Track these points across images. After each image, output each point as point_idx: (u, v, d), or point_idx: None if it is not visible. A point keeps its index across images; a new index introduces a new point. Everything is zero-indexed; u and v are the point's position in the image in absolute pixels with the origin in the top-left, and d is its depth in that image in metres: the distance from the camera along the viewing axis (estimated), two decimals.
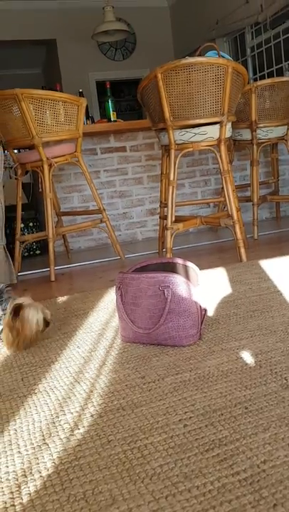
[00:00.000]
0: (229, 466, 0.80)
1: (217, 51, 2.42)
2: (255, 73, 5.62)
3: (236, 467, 0.79)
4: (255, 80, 5.54)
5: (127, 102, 8.75)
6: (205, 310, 1.42)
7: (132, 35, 6.71)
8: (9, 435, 0.98)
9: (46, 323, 1.52)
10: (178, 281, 1.34)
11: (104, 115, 3.65)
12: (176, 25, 7.02)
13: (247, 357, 1.23)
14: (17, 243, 2.83)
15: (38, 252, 3.66)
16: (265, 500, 0.71)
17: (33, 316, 1.46)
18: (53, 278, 2.61)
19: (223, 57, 2.40)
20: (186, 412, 0.99)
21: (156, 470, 0.81)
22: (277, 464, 0.78)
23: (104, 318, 1.73)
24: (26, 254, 3.59)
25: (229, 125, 2.47)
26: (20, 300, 1.48)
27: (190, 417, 0.96)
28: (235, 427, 0.91)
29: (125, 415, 1.01)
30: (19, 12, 6.32)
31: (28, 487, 0.80)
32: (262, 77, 5.44)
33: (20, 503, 0.76)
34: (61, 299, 2.10)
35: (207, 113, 2.33)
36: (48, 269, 2.65)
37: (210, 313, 1.63)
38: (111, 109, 3.40)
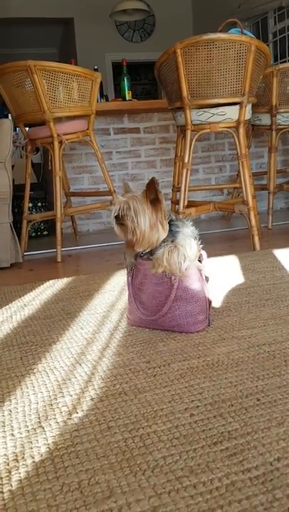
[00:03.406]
0: (239, 462, 0.73)
1: (240, 28, 2.31)
2: (276, 59, 5.45)
3: (247, 463, 0.72)
4: None
5: (143, 86, 8.57)
6: (210, 301, 1.34)
7: (150, 17, 6.54)
8: (3, 416, 0.92)
9: None
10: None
11: (120, 97, 3.54)
12: (197, 8, 6.83)
13: (259, 346, 1.15)
14: (24, 222, 2.77)
15: (45, 232, 3.60)
16: (279, 502, 0.64)
17: None
18: (59, 259, 2.54)
19: (246, 35, 2.28)
20: (192, 401, 0.91)
21: (159, 462, 0.74)
22: None
23: (109, 300, 1.66)
24: (34, 234, 3.53)
25: (249, 107, 2.36)
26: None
27: (197, 406, 0.89)
28: (246, 419, 0.84)
29: (128, 400, 0.94)
30: None
31: (19, 473, 0.74)
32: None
33: (10, 491, 0.70)
34: (66, 279, 2.03)
35: (227, 93, 2.23)
36: (55, 249, 2.58)
37: (221, 300, 1.56)
38: (126, 88, 3.29)
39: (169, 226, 1.26)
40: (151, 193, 1.22)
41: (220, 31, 2.25)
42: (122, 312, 1.50)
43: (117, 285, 1.85)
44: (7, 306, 1.69)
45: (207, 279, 1.33)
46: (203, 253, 1.33)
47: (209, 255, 1.42)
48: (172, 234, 1.26)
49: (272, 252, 2.25)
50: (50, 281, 2.01)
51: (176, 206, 2.57)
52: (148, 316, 1.30)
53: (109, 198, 2.87)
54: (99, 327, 1.39)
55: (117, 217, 1.23)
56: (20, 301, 1.74)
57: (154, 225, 1.22)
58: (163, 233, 1.24)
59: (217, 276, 1.85)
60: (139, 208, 1.20)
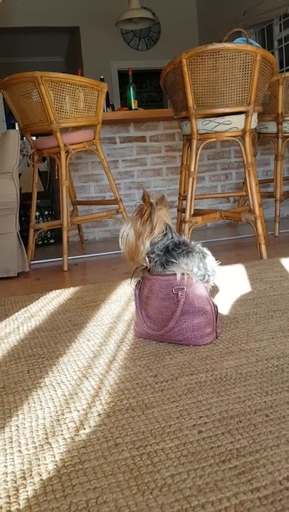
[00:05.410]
0: (248, 481, 0.72)
1: (246, 38, 2.31)
2: (281, 66, 5.46)
3: (256, 482, 0.71)
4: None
5: (148, 93, 8.61)
6: (216, 306, 1.33)
7: (156, 25, 6.59)
8: (10, 431, 0.92)
9: None
10: (191, 281, 1.26)
11: (125, 105, 3.56)
12: (202, 15, 6.87)
13: (268, 360, 1.14)
14: (31, 231, 2.78)
15: (52, 241, 3.61)
16: None
17: None
18: (65, 268, 2.55)
19: (252, 44, 2.29)
20: (201, 417, 0.91)
21: (167, 480, 0.74)
22: None
23: (116, 311, 1.66)
24: (40, 242, 3.54)
25: (255, 116, 2.36)
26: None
27: (205, 423, 0.89)
28: (254, 436, 0.83)
29: (135, 416, 0.93)
30: None
31: (27, 491, 0.74)
32: None
33: (17, 510, 0.70)
34: (73, 289, 2.03)
35: (233, 102, 2.23)
36: (62, 258, 2.59)
37: (228, 311, 1.55)
38: (132, 97, 3.30)
39: (168, 255, 1.30)
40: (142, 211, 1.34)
41: (225, 41, 2.25)
42: (128, 323, 1.50)
43: (123, 295, 1.85)
44: (14, 317, 1.70)
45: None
46: (217, 268, 1.35)
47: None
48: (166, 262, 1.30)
49: (280, 260, 2.24)
50: (57, 291, 2.01)
51: (183, 215, 2.57)
52: (155, 331, 1.30)
53: (116, 206, 2.87)
54: (105, 339, 1.39)
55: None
56: (27, 312, 1.74)
57: (138, 239, 1.30)
58: (142, 247, 1.28)
59: (224, 286, 1.84)
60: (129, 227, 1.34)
